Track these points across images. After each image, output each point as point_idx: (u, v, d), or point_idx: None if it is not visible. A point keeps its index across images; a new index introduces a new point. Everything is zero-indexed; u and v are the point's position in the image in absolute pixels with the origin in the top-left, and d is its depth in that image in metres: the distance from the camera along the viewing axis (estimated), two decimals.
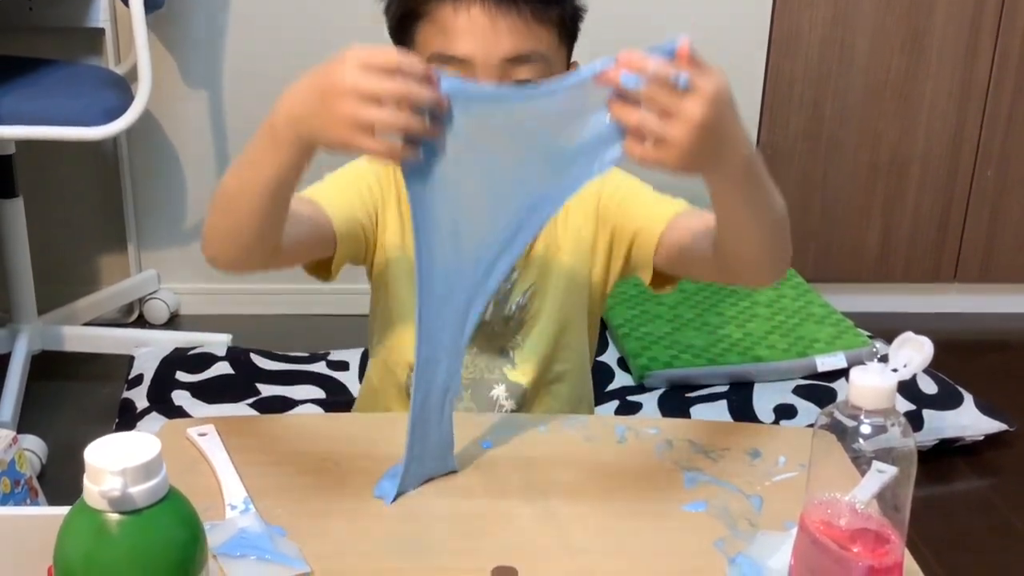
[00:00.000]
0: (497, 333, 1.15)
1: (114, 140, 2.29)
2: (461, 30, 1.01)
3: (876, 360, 0.73)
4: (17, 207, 2.03)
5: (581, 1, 1.09)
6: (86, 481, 0.56)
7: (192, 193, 2.39)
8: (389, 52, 0.79)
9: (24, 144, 1.99)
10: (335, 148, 0.82)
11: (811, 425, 0.76)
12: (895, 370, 0.72)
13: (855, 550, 0.73)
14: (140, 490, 0.55)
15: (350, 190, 1.11)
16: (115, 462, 0.55)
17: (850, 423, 0.73)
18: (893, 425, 0.72)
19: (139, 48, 1.80)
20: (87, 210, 2.38)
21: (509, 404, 1.15)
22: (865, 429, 0.72)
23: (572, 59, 1.10)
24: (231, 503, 0.89)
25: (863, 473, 0.73)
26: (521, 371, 1.15)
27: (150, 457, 0.56)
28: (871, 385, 0.71)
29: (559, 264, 1.15)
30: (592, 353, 1.24)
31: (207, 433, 0.99)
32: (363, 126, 0.78)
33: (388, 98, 0.77)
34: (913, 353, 0.73)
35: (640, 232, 1.11)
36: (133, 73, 2.02)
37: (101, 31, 2.19)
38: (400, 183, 1.10)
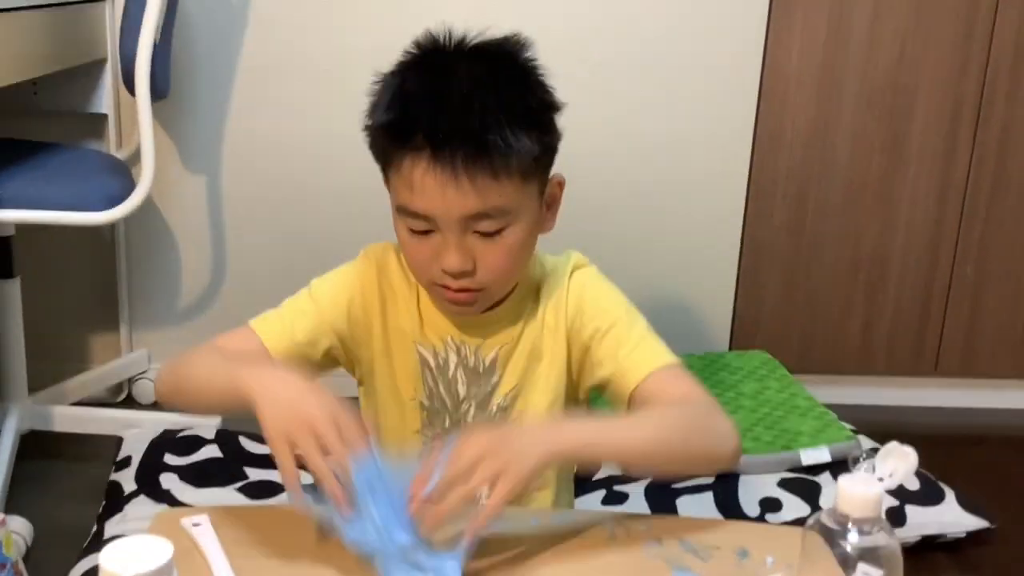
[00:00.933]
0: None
1: None
2: (418, 187, 1.02)
3: (863, 461, 0.76)
4: (14, 288, 2.04)
5: (555, 130, 1.08)
6: None
7: (186, 275, 2.41)
8: (343, 436, 0.91)
9: (23, 225, 2.01)
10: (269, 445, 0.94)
11: (797, 521, 0.79)
12: (881, 479, 0.75)
13: None
14: None
15: (306, 318, 1.13)
16: (128, 567, 0.56)
17: (838, 528, 0.75)
18: (880, 531, 0.75)
19: (144, 139, 1.84)
20: (82, 289, 2.40)
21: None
22: (852, 537, 0.74)
23: (552, 173, 1.11)
24: None
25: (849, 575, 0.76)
26: None
27: (162, 563, 0.57)
28: (859, 494, 0.74)
29: (541, 368, 1.16)
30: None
31: (200, 523, 1.00)
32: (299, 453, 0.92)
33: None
34: (899, 463, 0.76)
35: (613, 379, 1.12)
36: (134, 157, 2.06)
37: (104, 116, 2.24)
38: (385, 296, 1.15)
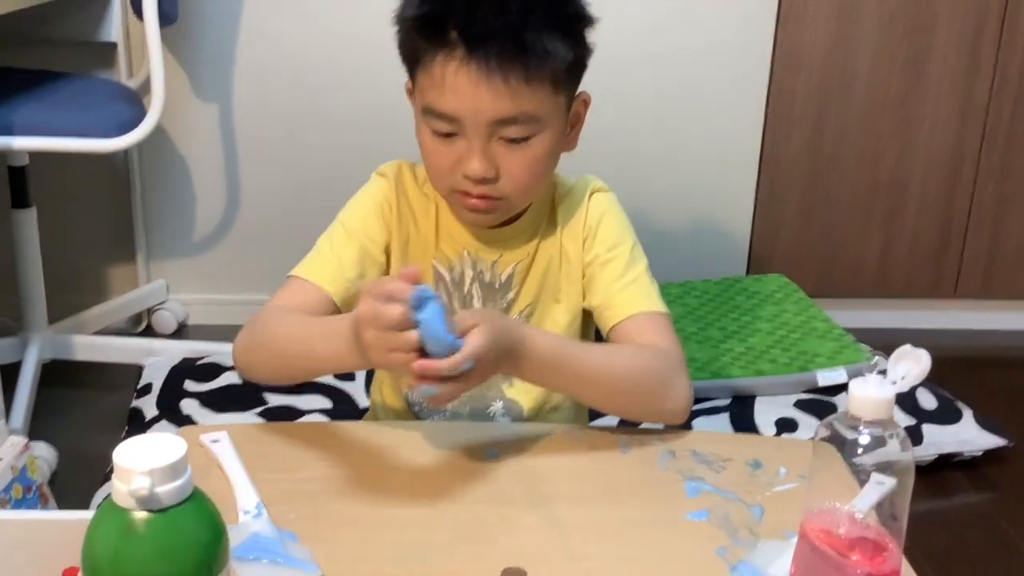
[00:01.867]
0: None
1: (125, 152, 2.31)
2: (449, 88, 1.01)
3: (875, 372, 0.75)
4: (30, 217, 2.05)
5: (586, 44, 1.07)
6: (115, 480, 0.58)
7: (201, 204, 2.42)
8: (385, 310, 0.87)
9: (37, 156, 2.01)
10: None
11: (812, 438, 0.79)
12: (893, 382, 0.74)
13: (854, 558, 0.75)
14: (166, 489, 0.58)
15: (349, 252, 1.12)
16: (143, 462, 0.57)
17: (849, 434, 0.75)
18: (892, 436, 0.75)
19: (153, 63, 1.83)
20: (97, 221, 2.40)
21: (505, 421, 1.17)
22: (864, 439, 0.74)
23: (579, 91, 1.10)
24: (244, 508, 0.91)
25: (862, 485, 0.75)
26: (519, 389, 1.17)
27: (176, 458, 0.58)
28: (870, 396, 0.73)
29: (557, 287, 1.16)
30: None
31: (220, 440, 1.01)
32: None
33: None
34: (911, 365, 0.75)
35: (598, 310, 1.13)
36: (145, 86, 2.05)
37: (113, 45, 2.22)
38: (403, 212, 1.14)
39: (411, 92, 1.11)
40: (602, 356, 1.07)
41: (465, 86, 1.00)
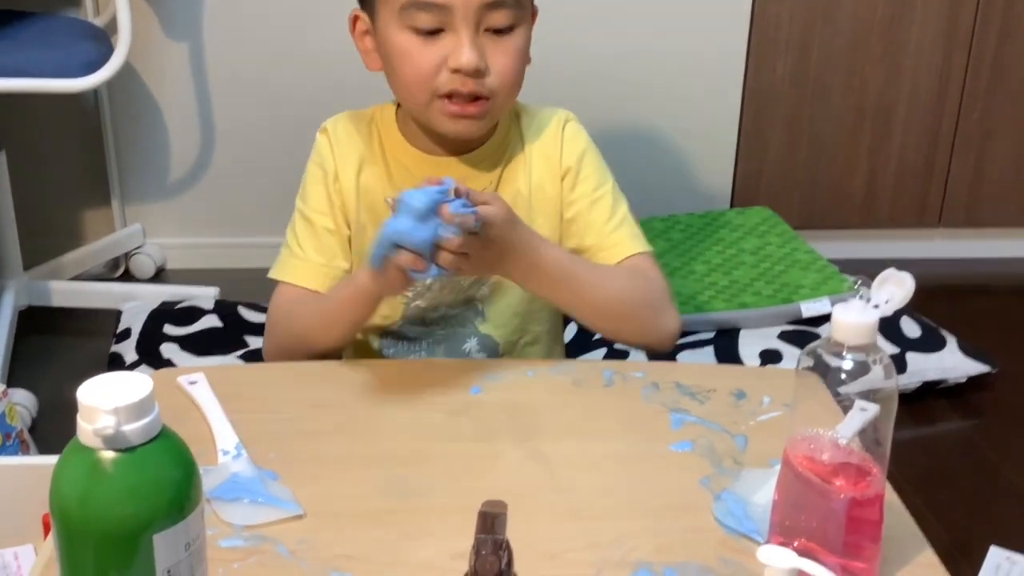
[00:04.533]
0: (462, 283, 1.14)
1: (95, 94, 2.26)
2: None
3: (858, 297, 0.74)
4: (0, 162, 2.01)
5: None
6: (79, 420, 0.56)
7: (175, 146, 2.37)
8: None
9: (5, 99, 1.96)
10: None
11: (796, 367, 0.77)
12: (876, 306, 0.73)
13: (837, 483, 0.75)
14: (133, 428, 0.56)
15: (314, 239, 1.13)
16: (108, 401, 0.55)
17: (833, 360, 0.73)
18: (875, 362, 0.73)
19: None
20: (70, 165, 2.36)
21: (481, 357, 1.16)
22: (847, 365, 0.73)
23: None
24: (223, 449, 0.90)
25: (846, 412, 0.75)
26: (492, 324, 1.16)
27: (143, 396, 0.56)
28: (853, 321, 0.72)
29: (528, 218, 1.12)
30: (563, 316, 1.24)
31: (197, 381, 1.00)
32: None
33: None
34: (895, 289, 0.74)
35: (591, 250, 1.13)
36: (112, 25, 1.99)
37: None
38: (348, 165, 1.14)
39: (356, 21, 1.10)
40: (603, 277, 1.09)
41: None
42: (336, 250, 1.13)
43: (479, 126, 1.08)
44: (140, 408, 0.56)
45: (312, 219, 1.13)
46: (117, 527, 0.56)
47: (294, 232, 1.14)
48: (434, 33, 1.02)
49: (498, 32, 1.03)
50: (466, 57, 1.01)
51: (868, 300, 0.74)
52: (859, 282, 0.74)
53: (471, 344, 1.16)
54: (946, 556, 0.82)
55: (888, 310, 0.73)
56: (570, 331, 1.90)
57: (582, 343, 1.87)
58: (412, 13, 1.02)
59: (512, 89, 1.08)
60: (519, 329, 1.17)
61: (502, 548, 0.58)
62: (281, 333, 1.13)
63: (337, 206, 1.13)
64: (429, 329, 1.15)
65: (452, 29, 1.02)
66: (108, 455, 0.56)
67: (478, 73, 1.02)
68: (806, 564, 0.64)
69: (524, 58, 1.08)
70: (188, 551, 0.59)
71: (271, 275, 1.15)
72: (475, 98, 1.04)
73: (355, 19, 1.11)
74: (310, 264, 1.12)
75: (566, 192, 1.13)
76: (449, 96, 1.04)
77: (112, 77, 1.83)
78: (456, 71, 1.02)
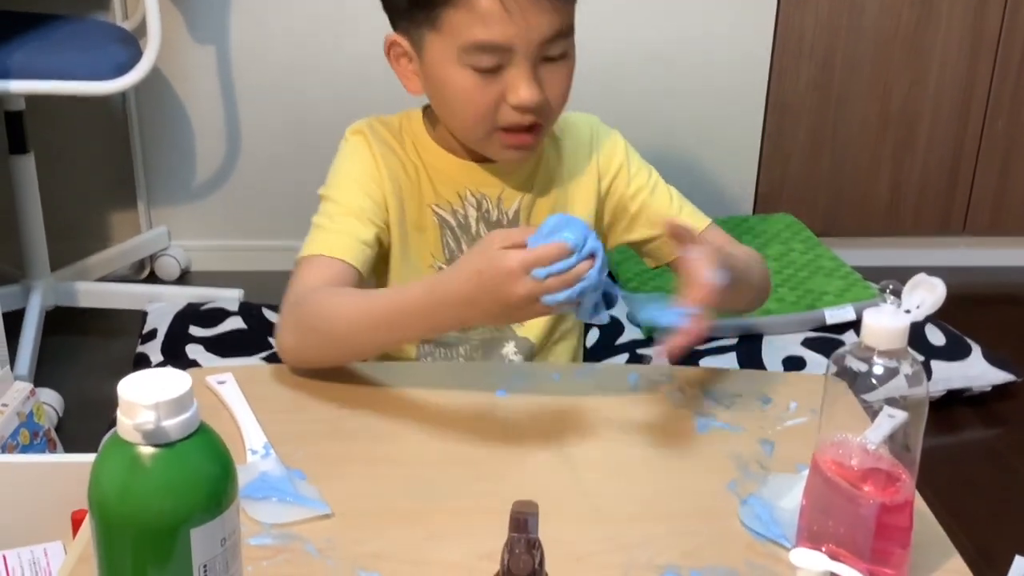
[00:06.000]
0: None
1: (123, 97, 2.29)
2: (497, 16, 0.99)
3: (889, 299, 0.74)
4: (28, 163, 2.03)
5: None
6: (120, 415, 0.57)
7: (201, 149, 2.39)
8: (545, 249, 0.84)
9: (34, 101, 1.99)
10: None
11: (826, 372, 0.77)
12: (908, 311, 0.73)
13: (866, 489, 0.75)
14: (173, 423, 0.57)
15: (349, 218, 1.07)
16: (148, 396, 0.56)
17: (861, 366, 0.73)
18: (905, 367, 0.73)
19: (148, 3, 1.80)
20: (97, 168, 2.38)
21: (518, 360, 1.17)
22: (877, 370, 0.72)
23: None
24: (252, 448, 0.91)
25: (874, 418, 0.74)
26: (529, 327, 1.16)
27: (182, 392, 0.57)
28: (884, 325, 0.72)
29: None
30: None
31: (225, 381, 1.01)
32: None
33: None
34: (926, 294, 0.73)
35: (661, 237, 1.13)
36: (141, 29, 2.01)
37: None
38: (388, 166, 1.11)
39: (392, 45, 1.08)
40: (742, 255, 1.13)
41: (513, 10, 0.99)
42: (371, 237, 1.07)
43: (534, 152, 1.10)
44: (180, 404, 0.57)
45: (347, 200, 1.09)
46: (155, 521, 0.57)
47: (326, 214, 1.09)
48: (494, 69, 1.02)
49: (553, 59, 1.03)
50: (527, 94, 1.02)
51: (898, 304, 0.74)
52: (889, 286, 0.73)
53: (509, 348, 1.16)
54: (971, 565, 0.81)
55: (919, 315, 0.72)
56: (592, 336, 1.91)
57: (605, 347, 1.87)
58: (473, 54, 1.01)
59: (560, 111, 1.09)
60: (551, 328, 1.17)
61: (535, 547, 0.58)
62: (305, 316, 1.00)
63: (380, 203, 1.09)
64: (467, 335, 1.16)
65: (512, 64, 1.02)
66: (147, 450, 0.57)
67: (538, 107, 1.03)
68: (839, 567, 0.64)
69: (571, 77, 1.07)
70: (224, 546, 0.59)
71: (301, 254, 1.07)
72: (532, 125, 1.05)
73: (392, 43, 1.09)
74: (347, 238, 1.05)
75: (622, 188, 1.16)
76: (507, 128, 1.05)
77: (140, 80, 1.85)
78: (517, 107, 1.03)
